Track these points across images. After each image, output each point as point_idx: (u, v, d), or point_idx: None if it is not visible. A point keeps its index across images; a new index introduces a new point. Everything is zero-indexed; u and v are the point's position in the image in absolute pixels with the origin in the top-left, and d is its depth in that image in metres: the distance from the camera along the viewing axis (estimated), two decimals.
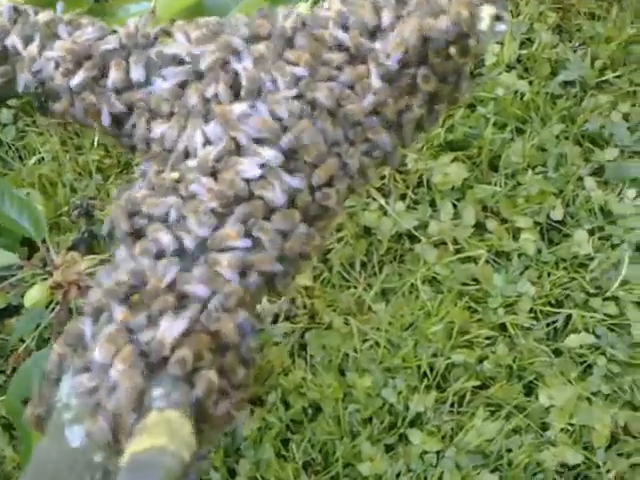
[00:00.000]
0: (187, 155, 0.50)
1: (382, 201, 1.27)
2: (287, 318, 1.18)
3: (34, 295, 1.01)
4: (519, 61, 1.38)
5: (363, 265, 1.23)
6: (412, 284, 1.19)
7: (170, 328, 0.41)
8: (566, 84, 1.33)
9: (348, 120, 0.48)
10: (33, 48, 0.53)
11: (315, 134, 0.51)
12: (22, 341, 1.16)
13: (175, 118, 0.51)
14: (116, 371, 0.40)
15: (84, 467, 0.40)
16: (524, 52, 1.36)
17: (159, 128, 0.51)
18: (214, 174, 0.48)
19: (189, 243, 0.46)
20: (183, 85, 0.51)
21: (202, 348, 0.43)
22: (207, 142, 0.49)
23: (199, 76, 0.51)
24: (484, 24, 0.50)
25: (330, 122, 0.50)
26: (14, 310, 1.23)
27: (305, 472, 1.08)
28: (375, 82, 0.48)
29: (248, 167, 0.48)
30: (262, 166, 0.48)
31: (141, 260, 0.46)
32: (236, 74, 0.50)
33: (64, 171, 1.31)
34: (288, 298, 1.17)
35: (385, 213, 1.26)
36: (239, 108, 0.49)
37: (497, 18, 0.51)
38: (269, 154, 0.50)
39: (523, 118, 1.30)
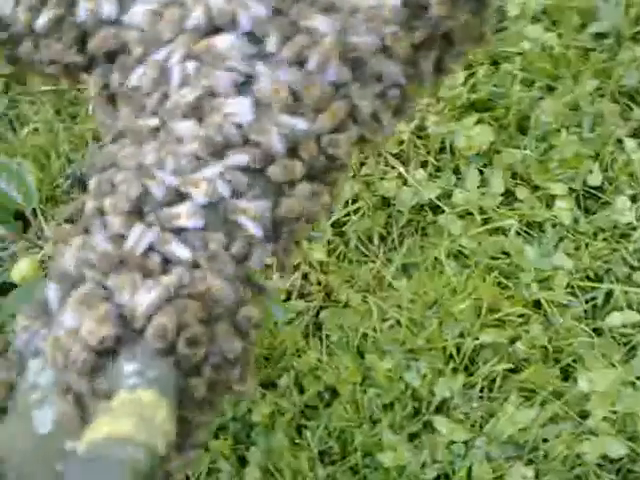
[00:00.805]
0: (166, 98, 0.41)
1: (401, 169, 1.17)
2: (301, 296, 1.09)
3: (22, 269, 0.93)
4: (544, 12, 1.26)
5: (382, 238, 1.14)
6: (436, 258, 1.09)
7: (147, 293, 0.35)
8: (598, 36, 1.22)
9: (357, 57, 0.41)
10: None
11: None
12: (13, 317, 1.08)
13: (152, 57, 0.42)
14: (85, 331, 0.33)
15: (54, 456, 0.34)
16: (549, 2, 1.25)
17: (135, 70, 0.42)
18: (199, 118, 0.39)
19: (159, 193, 0.38)
20: (158, 14, 0.42)
21: (187, 315, 0.35)
22: (185, 82, 0.41)
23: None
24: None
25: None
26: (8, 287, 1.15)
27: (321, 462, 0.99)
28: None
29: (238, 109, 0.39)
30: (255, 108, 0.39)
31: (113, 220, 0.38)
32: None
33: (59, 141, 1.22)
34: (297, 272, 1.07)
35: (405, 182, 1.16)
36: (223, 41, 0.40)
37: None
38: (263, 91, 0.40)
39: (553, 74, 1.19)
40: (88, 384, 0.34)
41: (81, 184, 1.07)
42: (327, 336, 1.05)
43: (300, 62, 0.40)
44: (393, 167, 1.17)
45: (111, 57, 0.45)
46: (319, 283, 1.10)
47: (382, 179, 1.16)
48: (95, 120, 1.21)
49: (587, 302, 1.03)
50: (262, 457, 0.97)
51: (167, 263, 0.36)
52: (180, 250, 0.36)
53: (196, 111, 0.39)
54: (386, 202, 1.16)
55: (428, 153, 1.16)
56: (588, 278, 1.04)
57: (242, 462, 1.00)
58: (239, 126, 0.39)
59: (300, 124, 0.39)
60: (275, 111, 0.39)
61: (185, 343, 0.33)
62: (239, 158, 0.38)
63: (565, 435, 0.96)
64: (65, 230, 1.06)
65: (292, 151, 0.40)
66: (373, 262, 1.11)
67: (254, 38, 0.41)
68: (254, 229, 0.38)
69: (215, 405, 0.38)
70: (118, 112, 0.45)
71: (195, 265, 0.36)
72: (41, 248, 0.98)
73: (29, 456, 0.34)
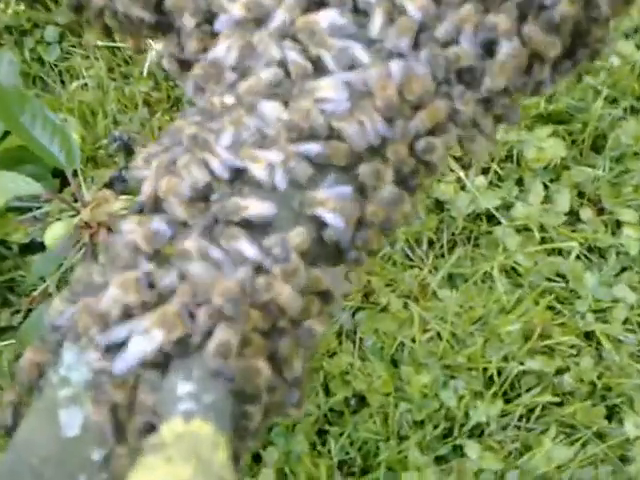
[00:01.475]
0: (249, 76, 0.37)
1: (461, 173, 1.10)
2: None
3: (56, 232, 0.89)
4: (637, 31, 1.18)
5: (431, 244, 1.07)
6: (486, 272, 1.02)
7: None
8: None
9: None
10: None
11: (424, 64, 0.36)
12: (43, 280, 1.04)
13: (238, 30, 0.36)
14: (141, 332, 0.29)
15: (78, 465, 0.30)
16: None
17: (219, 42, 0.38)
18: (285, 101, 0.35)
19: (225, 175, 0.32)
20: None
21: (250, 329, 0.31)
22: (274, 62, 0.36)
23: None
24: None
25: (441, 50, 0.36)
26: (38, 246, 1.11)
27: (340, 471, 0.94)
28: None
29: (332, 94, 0.34)
30: (350, 95, 0.35)
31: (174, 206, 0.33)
32: None
33: (108, 100, 1.17)
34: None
35: (463, 187, 1.09)
36: (327, 17, 0.36)
37: None
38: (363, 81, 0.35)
39: (639, 95, 1.11)
40: (129, 397, 0.29)
41: (127, 149, 1.02)
42: (361, 340, 1.00)
43: (401, 54, 0.34)
44: (452, 170, 1.10)
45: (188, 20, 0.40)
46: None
47: (439, 181, 1.09)
48: (147, 83, 1.17)
49: None
50: (279, 459, 0.92)
51: (229, 262, 0.31)
52: (247, 248, 0.31)
53: (282, 92, 0.34)
54: (440, 206, 1.09)
55: (492, 160, 1.09)
56: None
57: (257, 459, 0.95)
58: (329, 114, 0.33)
59: (398, 122, 0.34)
60: (372, 105, 0.33)
61: (245, 371, 0.27)
62: (320, 150, 0.33)
63: (603, 479, 0.89)
64: (106, 195, 1.00)
65: (381, 151, 0.35)
66: (419, 268, 1.05)
67: (358, 18, 0.35)
68: (334, 220, 0.33)
69: (262, 431, 0.33)
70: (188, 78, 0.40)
71: (261, 267, 0.31)
72: (77, 212, 0.93)
73: (51, 460, 0.30)
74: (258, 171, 0.33)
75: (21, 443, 0.31)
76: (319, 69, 0.35)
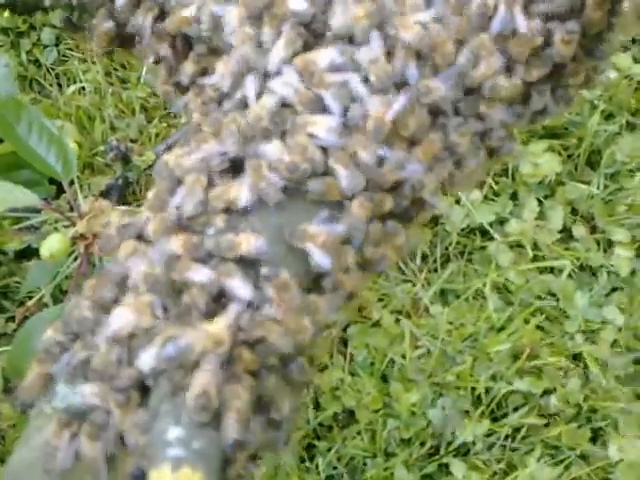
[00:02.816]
0: (245, 106, 0.37)
1: None
2: None
3: (52, 245, 0.89)
4: (634, 41, 1.17)
5: (424, 258, 1.08)
6: (478, 289, 1.03)
7: (194, 331, 0.31)
8: None
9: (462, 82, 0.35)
10: None
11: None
12: (38, 288, 1.05)
13: (237, 54, 0.37)
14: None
15: None
16: None
17: (217, 66, 0.38)
18: (282, 135, 0.35)
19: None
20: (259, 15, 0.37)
21: (240, 369, 0.31)
22: (269, 91, 0.36)
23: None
24: None
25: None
26: (33, 252, 1.11)
27: None
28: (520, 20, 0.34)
29: (328, 130, 0.34)
30: (345, 131, 0.35)
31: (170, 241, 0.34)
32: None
33: (105, 105, 1.17)
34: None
35: (458, 201, 1.09)
36: (326, 56, 0.35)
37: None
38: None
39: (636, 110, 1.10)
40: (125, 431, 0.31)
41: (124, 158, 1.02)
42: (352, 355, 1.01)
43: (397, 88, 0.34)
44: None
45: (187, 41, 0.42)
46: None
47: None
48: (145, 89, 1.16)
49: (632, 363, 0.96)
50: (267, 473, 0.94)
51: (221, 298, 0.32)
52: (240, 286, 0.31)
53: (278, 126, 0.35)
54: (434, 219, 1.09)
55: (487, 174, 1.09)
56: (637, 337, 0.97)
57: None
58: (324, 149, 0.34)
59: (391, 155, 0.34)
60: (365, 138, 0.34)
61: (234, 421, 0.29)
62: (318, 188, 0.33)
63: None
64: (102, 206, 1.00)
65: (371, 188, 0.35)
66: (412, 282, 1.06)
67: (354, 56, 0.35)
68: (321, 259, 0.33)
69: (248, 472, 0.34)
70: (183, 100, 0.42)
71: (252, 304, 0.32)
72: (73, 223, 0.94)
73: None
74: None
75: (14, 473, 0.32)
76: (318, 104, 0.35)
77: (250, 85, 0.36)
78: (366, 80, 0.35)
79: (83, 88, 1.20)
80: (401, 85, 0.34)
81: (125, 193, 1.10)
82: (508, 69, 0.34)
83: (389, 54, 0.35)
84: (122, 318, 0.32)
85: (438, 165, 0.35)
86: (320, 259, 0.33)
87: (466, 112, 0.36)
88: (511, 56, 0.34)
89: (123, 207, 0.99)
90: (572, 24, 0.34)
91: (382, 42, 0.35)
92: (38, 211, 1.07)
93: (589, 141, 1.07)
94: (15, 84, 1.15)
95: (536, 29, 0.34)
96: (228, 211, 0.34)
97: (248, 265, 0.32)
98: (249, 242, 0.32)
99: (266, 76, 0.36)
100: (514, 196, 1.09)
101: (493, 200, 1.09)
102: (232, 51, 0.38)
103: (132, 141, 1.16)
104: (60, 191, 1.10)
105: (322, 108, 0.35)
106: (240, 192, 0.33)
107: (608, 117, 1.10)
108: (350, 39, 0.35)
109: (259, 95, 0.36)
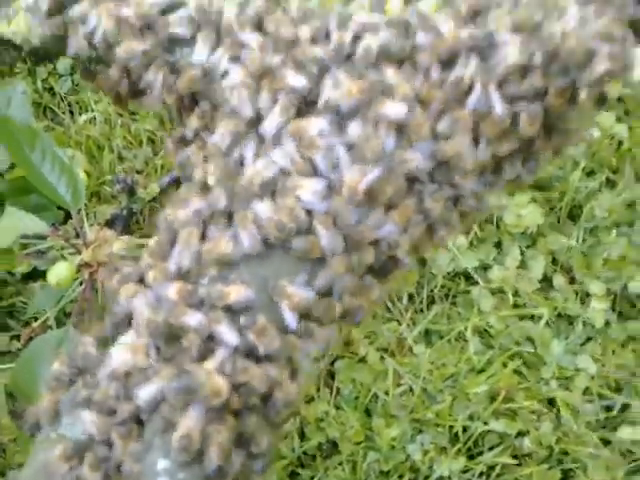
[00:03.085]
0: (241, 164, 0.41)
1: None
2: None
3: (59, 273, 0.94)
4: (620, 100, 1.24)
5: (410, 298, 1.13)
6: (460, 332, 1.08)
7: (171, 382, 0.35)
8: None
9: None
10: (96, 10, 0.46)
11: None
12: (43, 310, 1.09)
13: (237, 119, 0.41)
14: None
15: None
16: (627, 91, 1.22)
17: (219, 127, 0.42)
18: (272, 195, 0.39)
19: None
20: (260, 77, 0.41)
21: (224, 411, 0.35)
22: (262, 155, 0.40)
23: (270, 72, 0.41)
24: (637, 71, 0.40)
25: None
26: (39, 274, 1.16)
27: None
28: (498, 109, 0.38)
29: (313, 193, 0.38)
30: (327, 195, 0.39)
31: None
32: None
33: (114, 136, 1.23)
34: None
35: (445, 245, 1.15)
36: (317, 125, 0.39)
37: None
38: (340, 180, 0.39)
39: (616, 168, 1.17)
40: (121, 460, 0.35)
41: (129, 191, 1.07)
42: (338, 388, 1.06)
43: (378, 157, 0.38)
44: None
45: (193, 97, 0.46)
46: (340, 332, 1.10)
47: None
48: (153, 122, 1.22)
49: (602, 410, 1.02)
50: None
51: (209, 341, 0.36)
52: (226, 332, 0.36)
53: (270, 188, 0.39)
54: (422, 262, 1.15)
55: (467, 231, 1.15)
56: (608, 386, 1.03)
57: None
58: (309, 211, 0.38)
59: (369, 218, 0.38)
60: (344, 203, 0.38)
61: (215, 455, 0.34)
62: (301, 246, 0.38)
63: None
64: (107, 236, 1.06)
65: (349, 248, 0.39)
66: (398, 322, 1.11)
67: (341, 126, 0.40)
68: (289, 320, 0.37)
69: None
70: (186, 153, 0.46)
71: (238, 349, 0.36)
72: (78, 250, 0.99)
73: None
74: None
75: None
76: (308, 166, 0.39)
77: (249, 147, 0.41)
78: (350, 148, 0.39)
79: (94, 118, 1.25)
80: (380, 156, 0.38)
81: (129, 223, 1.16)
82: (478, 143, 0.39)
83: (373, 126, 0.39)
84: (120, 357, 0.36)
85: (412, 227, 0.38)
86: (290, 319, 0.37)
87: (440, 180, 0.39)
88: (483, 132, 0.39)
89: (126, 237, 1.04)
90: (536, 107, 0.38)
91: (368, 117, 0.39)
92: (45, 237, 1.13)
93: (571, 195, 1.13)
94: (30, 111, 1.20)
95: (506, 110, 0.39)
96: (219, 262, 0.37)
97: (235, 313, 0.36)
98: (238, 292, 0.36)
99: (261, 139, 0.40)
100: (498, 244, 1.15)
101: (477, 247, 1.15)
102: (232, 112, 0.41)
103: (138, 172, 1.21)
104: (68, 216, 1.16)
105: (311, 170, 0.38)
106: (228, 246, 0.37)
107: (589, 173, 1.16)
108: (338, 111, 0.39)
109: (255, 156, 0.40)
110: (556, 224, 1.15)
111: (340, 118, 0.40)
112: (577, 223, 1.14)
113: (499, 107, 0.38)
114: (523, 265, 1.12)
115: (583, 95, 0.38)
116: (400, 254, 0.39)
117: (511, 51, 0.37)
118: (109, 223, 1.14)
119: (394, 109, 0.38)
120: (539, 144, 0.41)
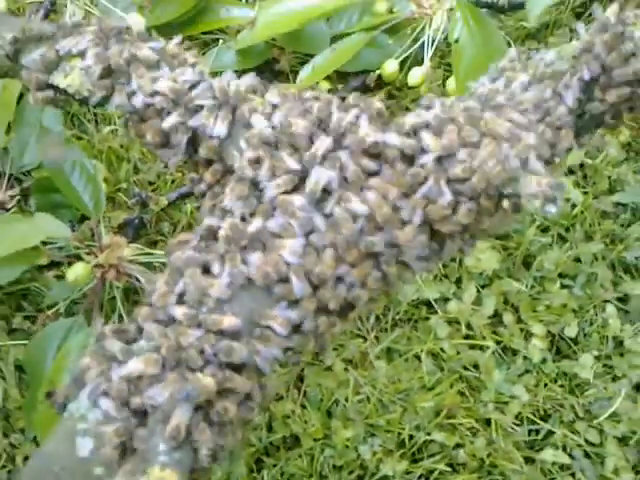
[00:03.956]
0: (244, 220, 0.52)
1: None
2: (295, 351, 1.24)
3: (77, 272, 1.08)
4: (582, 165, 1.41)
5: (377, 319, 1.29)
6: (417, 353, 1.24)
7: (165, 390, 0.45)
8: (619, 205, 1.36)
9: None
10: (138, 78, 0.57)
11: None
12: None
13: (242, 186, 0.55)
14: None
15: (87, 477, 0.44)
16: (589, 161, 1.39)
17: (229, 190, 0.55)
18: (264, 248, 0.50)
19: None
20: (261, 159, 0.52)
21: (211, 412, 0.49)
22: (257, 216, 0.52)
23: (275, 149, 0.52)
24: (538, 202, 0.54)
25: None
26: (54, 264, 1.31)
27: None
28: (445, 198, 0.50)
29: (292, 252, 0.50)
30: (303, 253, 0.50)
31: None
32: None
33: (132, 149, 1.38)
34: None
35: None
36: (299, 200, 0.51)
37: (550, 200, 0.53)
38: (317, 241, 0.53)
39: (568, 226, 1.34)
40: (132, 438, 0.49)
41: (143, 203, 1.23)
42: (305, 391, 1.21)
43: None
44: None
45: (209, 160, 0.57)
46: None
47: None
48: None
49: (529, 433, 1.18)
50: (220, 477, 1.13)
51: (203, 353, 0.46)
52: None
53: (261, 244, 0.49)
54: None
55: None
56: (537, 414, 1.19)
57: None
58: (288, 265, 0.48)
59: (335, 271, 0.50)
60: (317, 260, 0.49)
61: (205, 450, 0.48)
62: (280, 291, 0.49)
63: None
64: (119, 241, 1.21)
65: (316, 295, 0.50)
66: (364, 338, 1.27)
67: (321, 202, 0.51)
68: (280, 330, 0.48)
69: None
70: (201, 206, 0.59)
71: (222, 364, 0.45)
72: (95, 255, 1.13)
73: (67, 470, 0.43)
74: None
75: (47, 453, 0.44)
76: (290, 230, 0.51)
77: (250, 206, 0.51)
78: (327, 217, 0.49)
79: (116, 129, 1.41)
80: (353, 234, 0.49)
81: (140, 230, 1.31)
82: (425, 224, 0.55)
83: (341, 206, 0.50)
84: (136, 366, 0.44)
85: (370, 282, 0.49)
86: (279, 330, 0.47)
87: (395, 253, 0.50)
88: (429, 216, 0.55)
89: (134, 245, 1.20)
90: (472, 204, 0.52)
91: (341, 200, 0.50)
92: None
93: (525, 247, 1.30)
94: (61, 119, 1.36)
95: (449, 201, 0.55)
96: (217, 298, 0.47)
97: (226, 336, 0.46)
98: (230, 321, 0.46)
99: (259, 200, 0.51)
100: (458, 281, 1.31)
101: (441, 280, 1.31)
102: (239, 178, 0.52)
103: (150, 183, 1.37)
104: (84, 216, 1.31)
105: (292, 233, 0.49)
106: (222, 287, 0.48)
107: (544, 230, 1.33)
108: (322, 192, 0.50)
109: (252, 214, 0.51)
110: (510, 269, 1.31)
111: (321, 196, 0.50)
112: (529, 271, 1.30)
113: (447, 198, 0.48)
114: (478, 301, 1.28)
115: (505, 204, 0.51)
116: (359, 304, 0.51)
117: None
118: (121, 227, 1.29)
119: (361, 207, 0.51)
120: (474, 227, 0.52)
